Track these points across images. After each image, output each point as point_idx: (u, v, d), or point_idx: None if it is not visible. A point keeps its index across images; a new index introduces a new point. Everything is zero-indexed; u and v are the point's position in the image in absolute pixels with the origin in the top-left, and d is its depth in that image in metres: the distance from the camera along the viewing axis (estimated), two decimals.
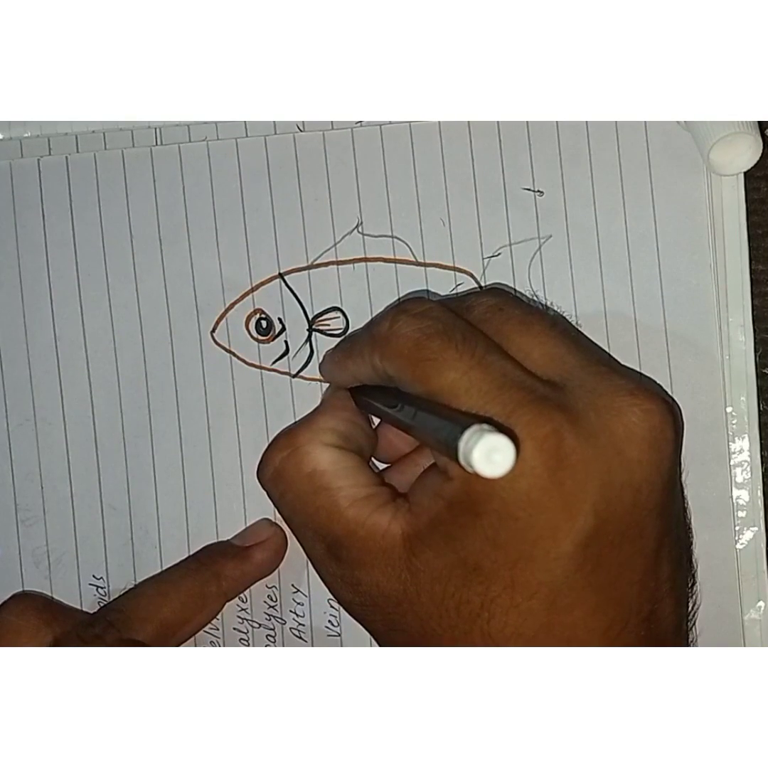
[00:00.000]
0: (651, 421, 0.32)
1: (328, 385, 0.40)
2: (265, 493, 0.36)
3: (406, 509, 0.33)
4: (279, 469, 0.35)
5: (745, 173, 0.40)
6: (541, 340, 0.34)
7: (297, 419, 0.41)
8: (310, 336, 0.41)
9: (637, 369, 0.40)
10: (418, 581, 0.33)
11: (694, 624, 0.38)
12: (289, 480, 0.35)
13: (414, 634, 0.33)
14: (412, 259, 0.41)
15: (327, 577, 0.35)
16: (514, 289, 0.41)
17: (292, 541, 0.40)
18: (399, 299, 0.41)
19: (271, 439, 0.36)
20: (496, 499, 0.31)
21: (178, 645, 0.40)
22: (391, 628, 0.34)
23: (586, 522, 0.31)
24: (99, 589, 0.42)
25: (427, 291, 0.41)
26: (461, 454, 0.28)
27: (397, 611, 0.33)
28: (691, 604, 0.37)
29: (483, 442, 0.27)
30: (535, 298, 0.40)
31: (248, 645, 0.41)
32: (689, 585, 0.37)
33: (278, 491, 0.36)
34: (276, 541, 0.41)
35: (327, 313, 0.41)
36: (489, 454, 0.27)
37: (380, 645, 0.36)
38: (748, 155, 0.39)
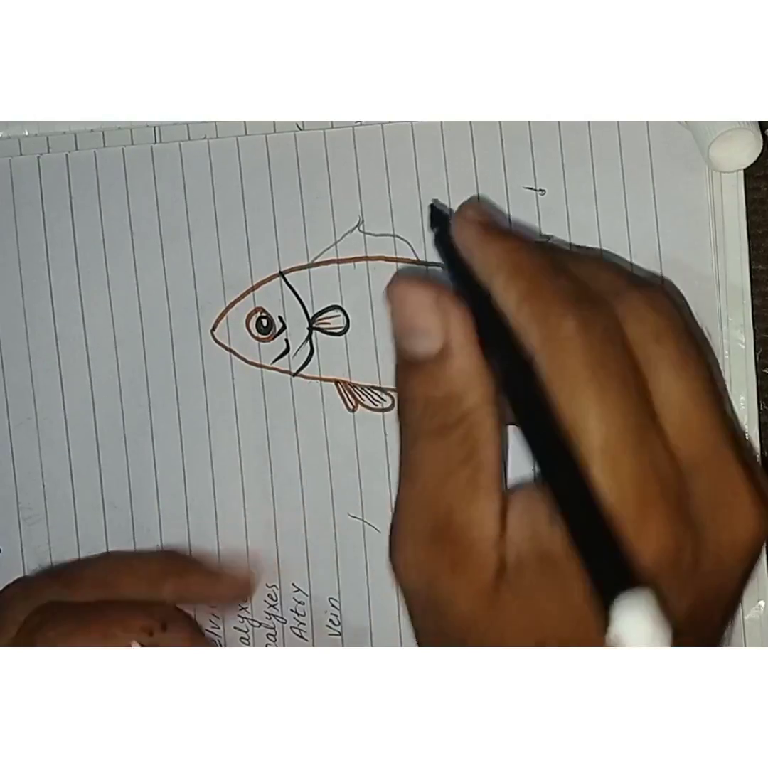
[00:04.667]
0: (755, 537, 0.31)
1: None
2: None
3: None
4: None
5: (745, 173, 0.39)
6: (689, 402, 0.30)
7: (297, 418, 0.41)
8: (310, 335, 0.41)
9: None
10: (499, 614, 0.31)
11: None
12: None
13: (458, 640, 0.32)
14: (414, 258, 0.41)
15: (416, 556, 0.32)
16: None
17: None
18: None
19: None
20: None
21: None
22: (439, 632, 0.32)
23: None
24: None
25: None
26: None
27: (462, 629, 0.32)
28: None
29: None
30: None
31: (249, 644, 0.42)
32: None
33: None
34: (245, 584, 0.41)
35: (328, 311, 0.41)
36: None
37: (416, 635, 0.34)
38: (748, 152, 0.39)
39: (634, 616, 0.27)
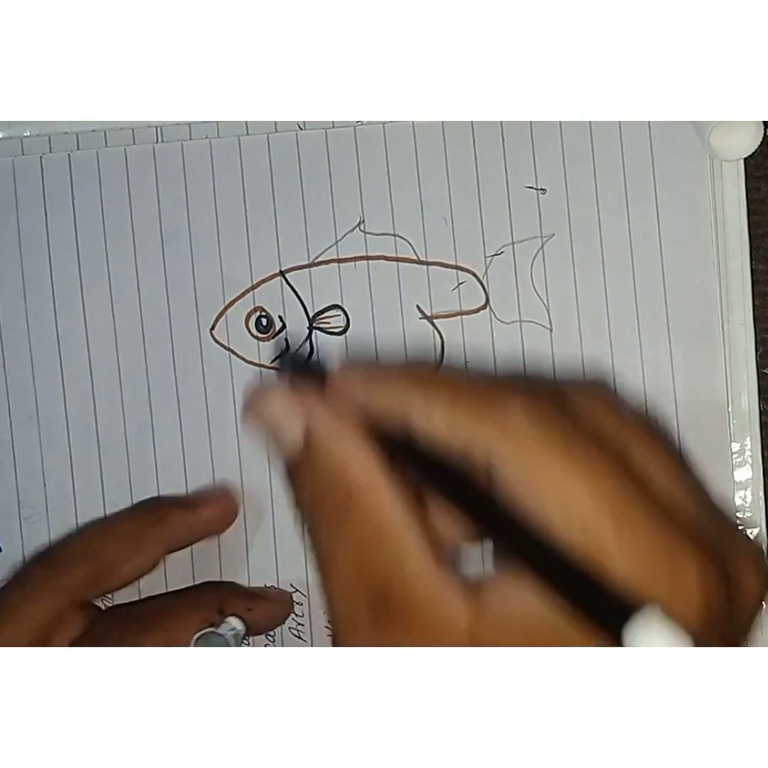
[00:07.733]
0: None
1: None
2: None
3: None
4: None
5: (746, 174, 0.39)
6: (666, 478, 0.29)
7: None
8: (310, 334, 0.41)
9: (640, 367, 0.40)
10: None
11: None
12: None
13: None
14: (414, 257, 0.41)
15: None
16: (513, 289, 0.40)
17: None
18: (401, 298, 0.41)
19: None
20: None
21: (114, 589, 0.39)
22: None
23: None
24: None
25: None
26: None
27: None
28: None
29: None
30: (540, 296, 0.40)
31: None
32: None
33: None
34: (225, 503, 0.41)
35: (328, 311, 0.41)
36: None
37: None
38: (748, 140, 0.38)
39: (652, 635, 0.26)
